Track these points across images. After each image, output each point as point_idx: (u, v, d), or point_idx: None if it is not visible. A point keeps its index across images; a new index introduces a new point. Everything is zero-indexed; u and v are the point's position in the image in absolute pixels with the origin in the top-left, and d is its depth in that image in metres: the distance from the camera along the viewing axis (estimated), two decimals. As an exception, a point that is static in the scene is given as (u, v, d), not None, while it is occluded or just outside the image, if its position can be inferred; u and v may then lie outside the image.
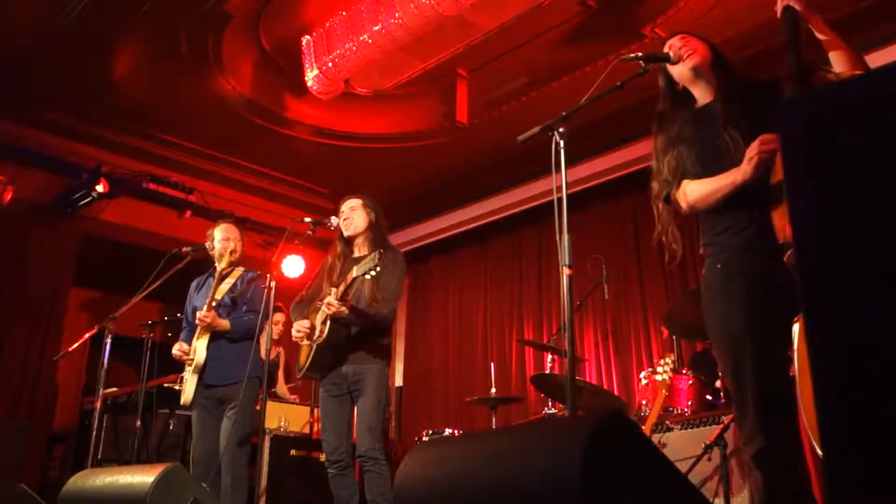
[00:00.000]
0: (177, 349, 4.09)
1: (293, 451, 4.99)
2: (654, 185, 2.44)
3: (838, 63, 2.15)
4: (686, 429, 3.67)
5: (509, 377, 6.60)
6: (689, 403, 3.92)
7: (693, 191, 2.32)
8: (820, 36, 2.17)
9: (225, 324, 4.03)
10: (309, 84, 5.25)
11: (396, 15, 4.56)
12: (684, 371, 4.08)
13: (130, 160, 6.55)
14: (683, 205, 2.36)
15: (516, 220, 7.01)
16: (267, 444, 4.73)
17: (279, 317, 5.48)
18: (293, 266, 6.75)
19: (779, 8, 2.16)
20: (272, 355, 4.76)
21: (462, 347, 7.34)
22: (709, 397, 4.01)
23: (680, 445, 3.56)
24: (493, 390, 4.90)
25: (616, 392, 5.68)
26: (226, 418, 3.94)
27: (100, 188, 6.07)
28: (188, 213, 6.86)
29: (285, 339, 5.44)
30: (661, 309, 5.27)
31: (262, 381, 4.07)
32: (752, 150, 2.13)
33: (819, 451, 2.00)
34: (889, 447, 0.71)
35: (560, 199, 2.34)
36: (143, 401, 4.86)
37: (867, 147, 0.77)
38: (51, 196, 6.32)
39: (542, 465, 1.41)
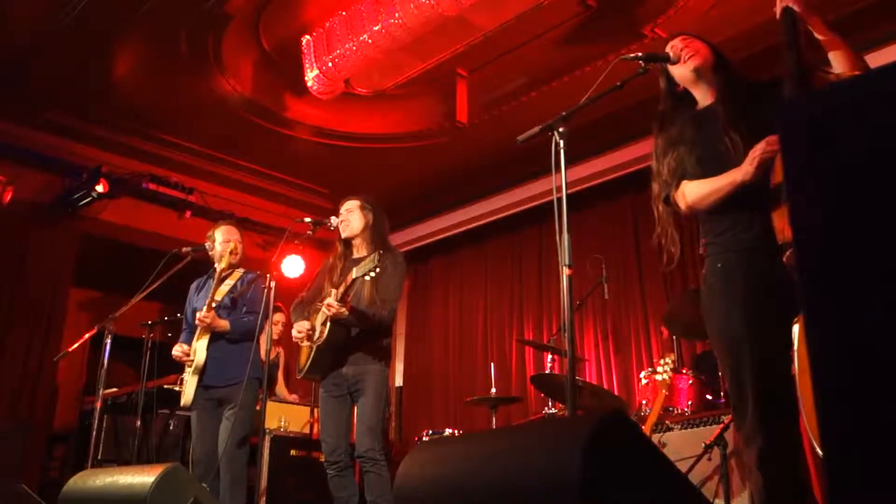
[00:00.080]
0: (177, 350, 4.09)
1: (293, 452, 4.99)
2: (654, 187, 2.44)
3: (838, 63, 2.15)
4: (686, 429, 3.67)
5: (509, 377, 6.59)
6: (690, 403, 3.92)
7: (692, 191, 2.32)
8: (819, 36, 2.17)
9: (225, 324, 4.03)
10: (309, 84, 5.24)
11: (396, 15, 4.56)
12: (684, 371, 4.08)
13: (130, 160, 6.55)
14: (682, 205, 2.36)
15: (516, 220, 7.00)
16: (267, 444, 4.73)
17: (279, 317, 5.48)
18: (293, 266, 6.75)
19: (778, 9, 2.16)
20: (272, 356, 4.76)
21: (462, 347, 7.34)
22: (709, 397, 4.01)
23: (680, 445, 3.56)
24: (493, 390, 4.90)
25: (616, 392, 5.68)
26: (225, 419, 3.94)
27: (100, 188, 6.06)
28: (188, 213, 6.86)
29: (285, 339, 5.44)
30: (661, 309, 5.27)
31: (262, 382, 4.07)
32: (756, 151, 2.13)
33: (819, 451, 2.00)
34: (889, 447, 0.71)
35: (560, 199, 2.34)
36: (143, 401, 4.86)
37: (867, 147, 0.77)
38: (51, 196, 6.32)
39: (542, 465, 1.41)
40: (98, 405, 4.39)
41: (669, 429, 3.74)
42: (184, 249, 4.47)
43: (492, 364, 5.18)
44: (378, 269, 3.37)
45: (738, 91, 2.36)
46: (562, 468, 1.34)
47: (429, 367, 7.59)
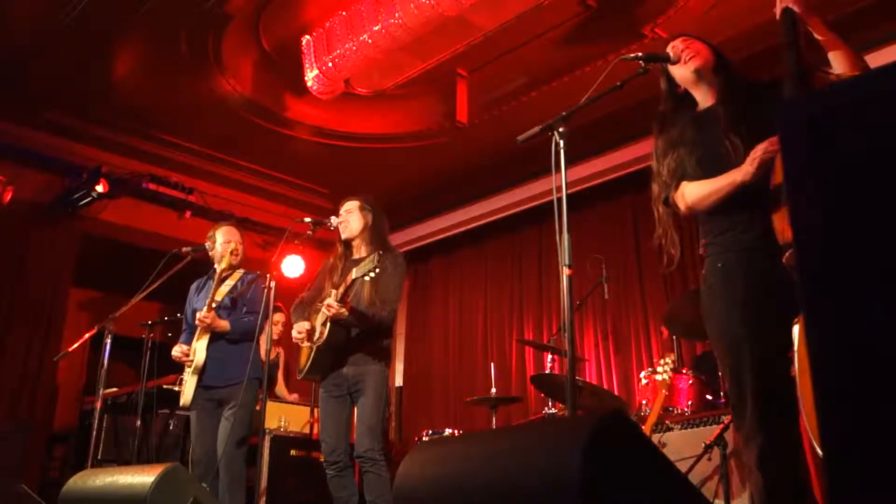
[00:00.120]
0: (176, 350, 4.09)
1: (293, 452, 4.99)
2: (654, 188, 2.44)
3: (838, 64, 2.15)
4: (686, 429, 3.67)
5: (509, 377, 6.59)
6: (690, 403, 3.92)
7: (692, 192, 2.32)
8: (819, 37, 2.17)
9: (225, 325, 4.03)
10: (309, 84, 5.24)
11: (396, 15, 4.56)
12: (684, 371, 4.08)
13: (130, 160, 6.55)
14: (682, 206, 2.36)
15: (516, 220, 7.00)
16: (267, 444, 4.73)
17: (279, 317, 5.48)
18: (293, 266, 6.75)
19: (778, 9, 2.16)
20: (272, 356, 4.76)
21: (462, 347, 7.34)
22: (709, 397, 4.00)
23: (680, 445, 3.56)
24: (493, 390, 4.90)
25: (616, 392, 5.68)
26: (224, 419, 3.94)
27: (100, 188, 6.06)
28: (188, 213, 6.86)
29: (285, 339, 5.44)
30: (661, 309, 5.27)
31: (262, 382, 4.07)
32: (758, 151, 2.13)
33: (819, 451, 2.00)
34: (889, 447, 0.71)
35: (560, 199, 2.34)
36: (143, 401, 4.86)
37: (867, 147, 0.77)
38: (51, 196, 6.32)
39: (542, 465, 1.41)
40: (98, 405, 4.39)
41: (669, 429, 3.74)
42: (184, 249, 4.47)
43: (492, 364, 5.17)
44: (378, 270, 3.37)
45: (738, 92, 2.36)
46: (562, 468, 1.34)
47: (429, 367, 7.59)
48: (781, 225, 2.06)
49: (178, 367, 4.28)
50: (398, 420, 7.49)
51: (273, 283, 3.80)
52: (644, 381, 4.16)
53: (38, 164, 6.23)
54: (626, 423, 1.51)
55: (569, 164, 2.35)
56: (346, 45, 4.89)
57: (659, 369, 3.97)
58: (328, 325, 3.60)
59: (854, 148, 0.78)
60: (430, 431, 4.90)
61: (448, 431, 4.93)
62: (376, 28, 4.69)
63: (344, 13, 4.92)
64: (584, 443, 1.33)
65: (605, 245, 5.94)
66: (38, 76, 5.54)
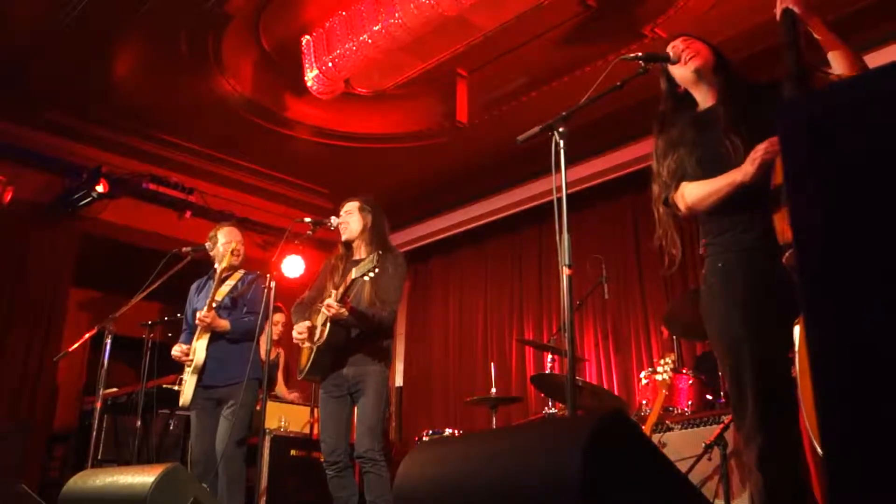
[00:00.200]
0: (176, 350, 4.09)
1: (293, 452, 4.99)
2: (655, 188, 2.44)
3: (838, 64, 2.15)
4: (686, 429, 3.67)
5: (509, 377, 6.59)
6: (690, 403, 3.92)
7: (691, 192, 2.32)
8: (819, 37, 2.17)
9: (225, 324, 4.04)
10: (309, 84, 5.24)
11: (396, 15, 4.56)
12: (684, 371, 4.08)
13: (130, 160, 6.55)
14: (682, 206, 2.36)
15: (516, 220, 7.00)
16: (267, 444, 4.73)
17: (279, 317, 5.48)
18: (293, 266, 6.75)
19: (778, 10, 2.16)
20: (272, 356, 4.76)
21: (462, 347, 7.34)
22: (709, 397, 4.01)
23: (680, 445, 3.56)
24: (493, 390, 4.90)
25: (616, 392, 5.68)
26: (223, 418, 3.94)
27: (100, 188, 6.06)
28: (188, 213, 6.86)
29: (285, 339, 5.44)
30: (661, 309, 5.27)
31: (262, 383, 4.07)
32: (758, 151, 2.12)
33: (819, 451, 2.01)
34: (889, 447, 0.71)
35: (560, 199, 2.34)
36: (143, 401, 4.86)
37: (867, 147, 0.77)
38: (51, 196, 6.32)
39: (542, 465, 1.41)
40: (98, 405, 4.39)
41: (669, 429, 3.74)
42: (184, 249, 4.47)
43: (492, 364, 5.17)
44: (377, 270, 3.37)
45: (738, 92, 2.35)
46: (562, 468, 1.34)
47: (429, 367, 7.59)
48: (781, 225, 2.06)
49: (178, 367, 4.28)
50: (398, 420, 7.49)
51: (273, 284, 3.80)
52: (644, 381, 4.16)
53: (38, 164, 6.23)
54: (626, 423, 1.51)
55: (569, 164, 2.35)
56: (346, 45, 4.89)
57: (659, 369, 3.97)
58: (328, 325, 3.60)
59: (854, 148, 0.78)
60: (430, 431, 4.90)
61: (448, 431, 4.93)
62: (376, 28, 4.69)
63: (344, 13, 4.92)
64: (584, 443, 1.33)
65: (605, 245, 5.94)
66: (38, 76, 5.54)
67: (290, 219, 5.30)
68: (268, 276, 3.86)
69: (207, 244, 4.32)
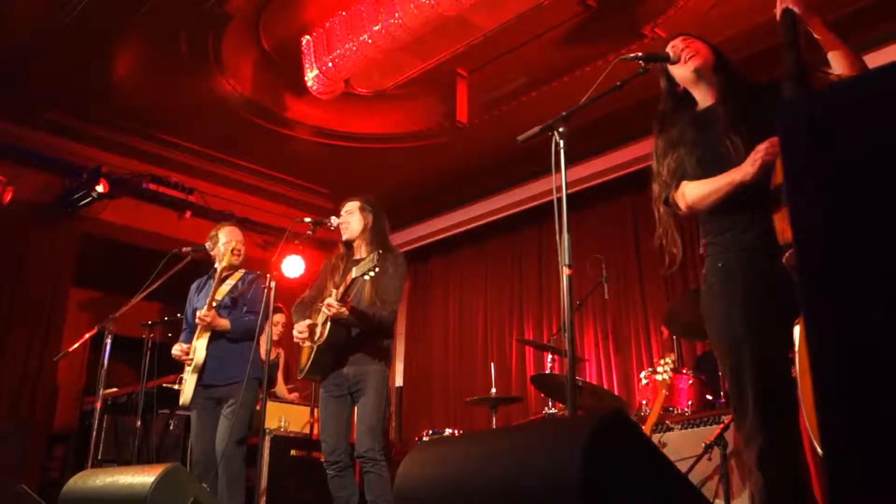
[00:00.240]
0: (176, 349, 4.10)
1: (293, 452, 4.99)
2: (655, 188, 2.44)
3: (838, 64, 2.15)
4: (686, 429, 3.67)
5: (509, 377, 6.59)
6: (690, 403, 3.92)
7: (691, 192, 2.32)
8: (819, 37, 2.17)
9: (225, 323, 4.04)
10: (309, 84, 5.24)
11: (396, 15, 4.56)
12: (684, 371, 4.08)
13: (130, 160, 6.55)
14: (682, 206, 2.36)
15: (516, 220, 7.00)
16: (267, 444, 4.73)
17: (279, 317, 5.48)
18: (293, 266, 6.75)
19: (778, 10, 2.16)
20: (272, 356, 4.76)
21: (462, 347, 7.34)
22: (709, 397, 4.01)
23: (680, 445, 3.56)
24: (493, 390, 4.90)
25: (616, 392, 5.68)
26: (223, 417, 3.94)
27: (100, 188, 6.06)
28: (188, 213, 6.86)
29: (285, 339, 5.43)
30: (661, 309, 5.26)
31: (262, 383, 4.07)
32: (759, 152, 2.12)
33: (819, 451, 2.01)
34: (889, 447, 0.71)
35: (560, 199, 2.34)
36: (143, 401, 4.86)
37: (867, 147, 0.77)
38: (51, 196, 6.32)
39: (542, 465, 1.41)
40: (98, 405, 4.39)
41: (669, 429, 3.74)
42: (184, 249, 4.47)
43: (492, 364, 5.17)
44: (377, 269, 3.38)
45: (738, 92, 2.35)
46: (562, 468, 1.34)
47: (429, 367, 7.59)
48: (781, 225, 2.06)
49: (178, 368, 4.28)
50: (398, 420, 7.49)
51: (273, 284, 3.80)
52: (644, 381, 4.16)
53: (38, 164, 6.23)
54: (626, 423, 1.51)
55: (569, 164, 2.35)
56: (346, 45, 4.89)
57: (659, 369, 3.97)
58: (328, 324, 3.60)
59: (854, 148, 0.78)
60: (430, 431, 4.90)
61: (448, 431, 4.93)
62: (376, 28, 4.69)
63: (344, 13, 4.92)
64: (584, 443, 1.33)
65: (605, 245, 5.94)
66: (38, 76, 5.54)
67: (290, 219, 5.30)
68: (268, 276, 3.87)
69: (208, 243, 4.32)
